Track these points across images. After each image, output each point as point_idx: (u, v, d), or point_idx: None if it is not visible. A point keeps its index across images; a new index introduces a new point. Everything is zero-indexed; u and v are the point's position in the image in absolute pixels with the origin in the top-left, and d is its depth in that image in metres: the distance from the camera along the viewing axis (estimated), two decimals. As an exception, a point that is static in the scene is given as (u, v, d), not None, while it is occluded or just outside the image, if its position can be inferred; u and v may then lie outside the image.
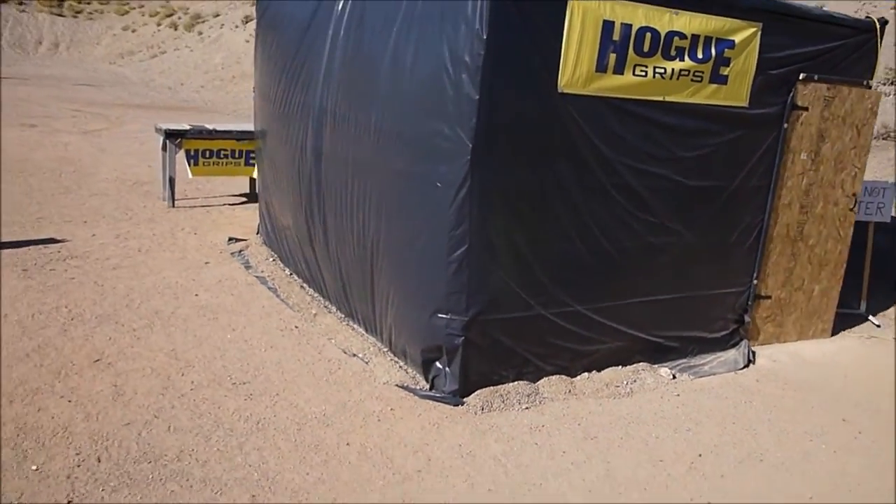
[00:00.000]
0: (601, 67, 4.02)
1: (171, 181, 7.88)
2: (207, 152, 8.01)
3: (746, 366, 5.00)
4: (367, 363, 4.57)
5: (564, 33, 3.86)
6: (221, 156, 8.09)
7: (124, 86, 22.12)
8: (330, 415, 3.91)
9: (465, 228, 3.91)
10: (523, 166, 3.98)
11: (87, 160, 10.33)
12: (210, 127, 8.06)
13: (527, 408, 4.14)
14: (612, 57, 4.03)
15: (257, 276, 6.00)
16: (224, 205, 8.39)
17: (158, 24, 34.89)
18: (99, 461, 3.30)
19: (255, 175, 8.33)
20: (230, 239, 6.87)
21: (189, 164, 7.93)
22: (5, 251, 6.00)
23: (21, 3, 35.43)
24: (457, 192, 3.87)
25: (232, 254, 6.52)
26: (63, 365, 4.18)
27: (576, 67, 3.95)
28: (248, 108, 18.48)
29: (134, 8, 38.79)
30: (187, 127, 7.95)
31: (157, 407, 3.82)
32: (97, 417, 3.67)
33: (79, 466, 3.25)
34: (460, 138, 3.82)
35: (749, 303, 5.14)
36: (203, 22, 31.51)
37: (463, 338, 4.06)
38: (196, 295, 5.46)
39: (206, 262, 6.24)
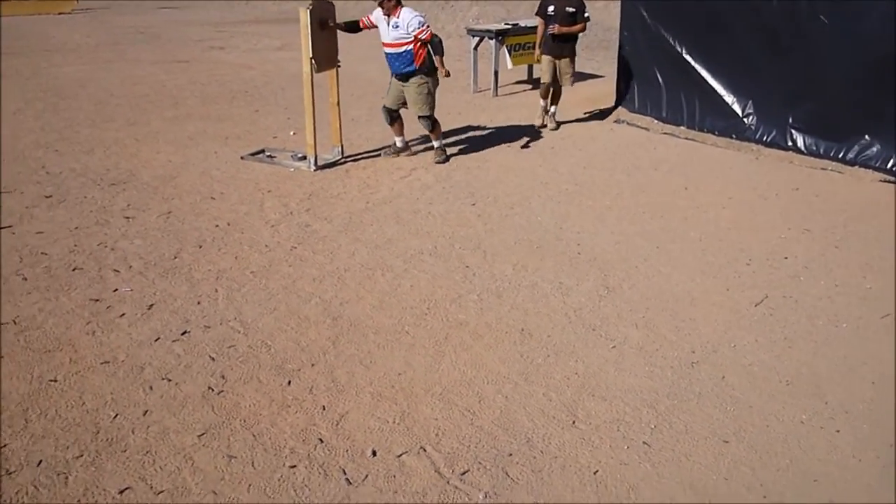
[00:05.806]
0: None
1: (496, 74, 9.42)
2: (518, 45, 9.51)
3: None
4: (841, 173, 6.48)
5: None
6: (526, 48, 9.59)
7: (203, 6, 22.44)
8: (865, 208, 5.82)
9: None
10: None
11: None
12: (524, 24, 9.52)
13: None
14: None
15: (664, 133, 7.74)
16: (522, 91, 9.93)
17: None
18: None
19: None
20: (597, 111, 8.55)
21: (510, 56, 9.45)
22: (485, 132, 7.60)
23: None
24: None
25: (614, 122, 8.21)
26: (646, 205, 5.96)
27: None
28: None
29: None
30: (508, 26, 9.41)
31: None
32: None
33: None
34: None
35: None
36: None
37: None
38: (655, 148, 7.21)
39: (611, 129, 7.94)
